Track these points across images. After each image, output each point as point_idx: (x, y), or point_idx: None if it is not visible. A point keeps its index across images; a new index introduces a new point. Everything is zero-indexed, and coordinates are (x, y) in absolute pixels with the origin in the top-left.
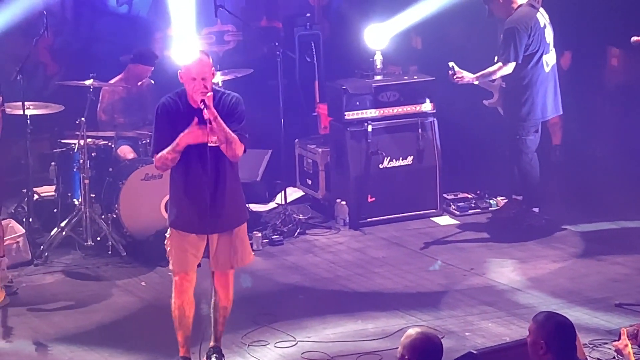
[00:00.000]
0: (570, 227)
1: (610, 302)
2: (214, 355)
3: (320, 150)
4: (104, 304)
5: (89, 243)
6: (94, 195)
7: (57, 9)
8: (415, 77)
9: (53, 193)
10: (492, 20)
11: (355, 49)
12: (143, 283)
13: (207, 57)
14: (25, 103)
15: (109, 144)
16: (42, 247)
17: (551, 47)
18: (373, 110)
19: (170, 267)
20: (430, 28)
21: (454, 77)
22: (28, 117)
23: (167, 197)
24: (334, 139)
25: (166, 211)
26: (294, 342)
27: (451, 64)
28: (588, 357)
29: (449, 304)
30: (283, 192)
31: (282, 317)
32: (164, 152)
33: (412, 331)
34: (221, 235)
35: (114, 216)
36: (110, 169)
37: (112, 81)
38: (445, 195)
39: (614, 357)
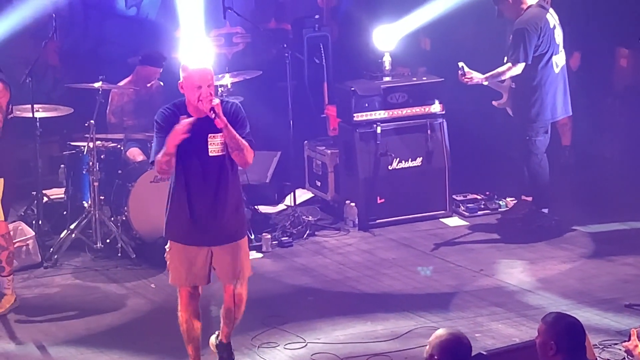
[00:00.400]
0: (579, 227)
1: (620, 302)
2: (225, 352)
3: (329, 151)
4: (113, 306)
5: (98, 245)
6: (103, 197)
7: (66, 11)
8: (424, 78)
9: (62, 195)
10: (501, 21)
11: (364, 51)
12: (152, 285)
13: (208, 64)
14: (35, 106)
15: (118, 146)
16: (51, 249)
17: (561, 48)
18: (382, 112)
19: (170, 281)
20: (439, 29)
21: (464, 77)
22: (37, 119)
23: None
24: (343, 140)
25: None
26: (304, 344)
27: (461, 64)
28: (598, 358)
29: (459, 305)
30: (292, 193)
31: (291, 318)
32: (160, 159)
33: (442, 331)
34: (225, 247)
35: (124, 218)
36: (120, 171)
37: (121, 83)
38: (454, 196)
39: (624, 358)
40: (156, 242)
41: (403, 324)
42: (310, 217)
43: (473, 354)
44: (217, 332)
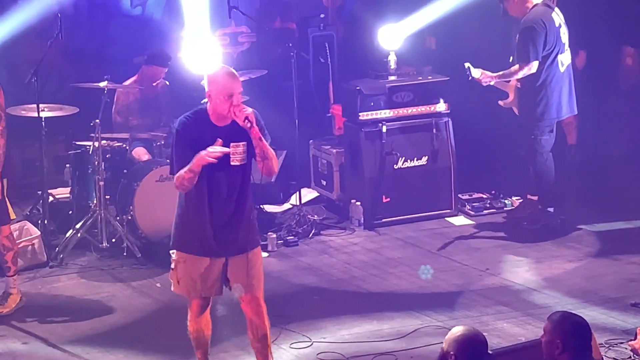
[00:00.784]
0: (585, 226)
1: (626, 301)
2: None
3: (334, 151)
4: (119, 305)
5: (104, 245)
6: (108, 196)
7: (72, 11)
8: (430, 77)
9: (68, 195)
10: (506, 20)
11: (369, 50)
12: (158, 284)
13: (233, 69)
14: (40, 105)
15: (124, 145)
16: (57, 249)
17: (566, 46)
18: (387, 111)
19: (176, 290)
20: (444, 28)
21: (476, 79)
22: (43, 119)
23: None
24: (348, 139)
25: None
26: (310, 343)
27: (467, 65)
28: (604, 357)
29: (464, 304)
30: (297, 193)
31: (297, 318)
32: (182, 171)
33: (458, 328)
34: (240, 257)
35: (129, 218)
36: (125, 171)
37: (126, 83)
38: (460, 195)
39: (630, 357)
40: (162, 241)
41: (409, 323)
42: (315, 216)
43: None
44: None
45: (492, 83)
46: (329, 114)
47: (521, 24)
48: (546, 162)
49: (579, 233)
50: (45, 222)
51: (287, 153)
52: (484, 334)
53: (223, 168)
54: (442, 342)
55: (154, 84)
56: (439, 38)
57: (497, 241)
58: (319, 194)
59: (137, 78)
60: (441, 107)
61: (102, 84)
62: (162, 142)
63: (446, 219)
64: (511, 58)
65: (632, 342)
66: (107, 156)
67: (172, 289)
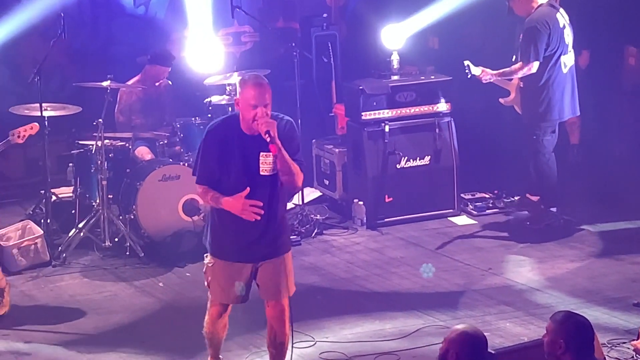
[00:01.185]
0: (588, 226)
1: (629, 301)
2: None
3: (337, 150)
4: (122, 304)
5: (106, 244)
6: (111, 196)
7: (75, 10)
8: (432, 77)
9: (71, 194)
10: (509, 20)
11: (372, 49)
12: (161, 284)
13: (265, 80)
14: (43, 104)
15: (127, 145)
16: (60, 248)
17: (570, 48)
18: (390, 111)
19: (211, 297)
20: (447, 28)
21: (476, 76)
22: (46, 118)
23: (185, 198)
24: (351, 139)
25: (185, 214)
26: (312, 343)
27: (466, 62)
28: (606, 357)
29: (467, 303)
30: (300, 192)
31: (300, 317)
32: (208, 195)
33: (458, 327)
34: (270, 262)
35: (132, 217)
36: (128, 170)
37: (129, 82)
38: (462, 195)
39: (633, 357)
40: (164, 240)
41: (411, 322)
42: (318, 215)
43: None
44: None
45: (492, 80)
46: (332, 114)
47: (525, 24)
48: (548, 162)
49: (582, 233)
50: (48, 221)
51: None
52: (487, 333)
53: (253, 178)
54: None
55: (157, 84)
56: (441, 38)
57: (499, 241)
58: (321, 194)
59: (140, 77)
60: (444, 106)
61: (105, 84)
62: (165, 142)
63: (449, 218)
64: (514, 57)
65: (634, 342)
66: (110, 155)
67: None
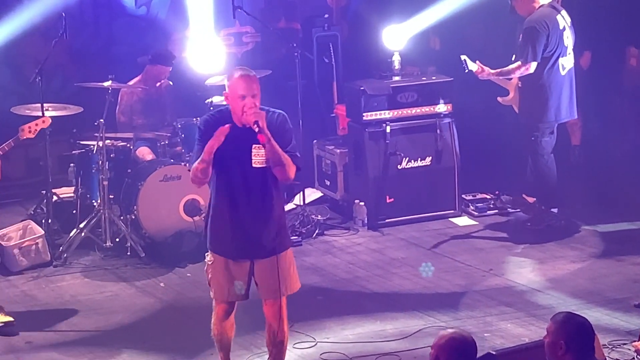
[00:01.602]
0: (589, 227)
1: (630, 302)
2: None
3: (338, 151)
4: (122, 305)
5: (107, 244)
6: (112, 196)
7: (76, 11)
8: (434, 77)
9: (72, 194)
10: (511, 21)
11: (374, 50)
12: (162, 284)
13: (253, 72)
14: (44, 105)
15: (128, 145)
16: (61, 248)
17: (569, 50)
18: (391, 111)
19: (212, 294)
20: (449, 29)
21: (474, 72)
22: None
23: (186, 198)
24: (352, 139)
25: (186, 214)
26: (313, 343)
27: (463, 57)
28: (607, 358)
29: (468, 304)
30: (301, 193)
31: (301, 318)
32: (195, 163)
33: (445, 332)
34: (266, 261)
35: (133, 217)
36: (129, 170)
37: (130, 82)
38: (463, 195)
39: (634, 358)
40: (165, 240)
41: (412, 323)
42: (319, 216)
43: (482, 353)
44: None
45: (491, 79)
46: (333, 114)
47: (525, 24)
48: (547, 163)
49: (583, 234)
50: (49, 221)
51: None
52: (487, 334)
53: (246, 170)
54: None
55: (158, 84)
56: (443, 38)
57: (500, 242)
58: (322, 194)
59: (141, 78)
60: (445, 107)
61: (107, 84)
62: (166, 142)
63: (450, 219)
64: (514, 57)
65: (635, 343)
66: (111, 156)
67: (210, 294)
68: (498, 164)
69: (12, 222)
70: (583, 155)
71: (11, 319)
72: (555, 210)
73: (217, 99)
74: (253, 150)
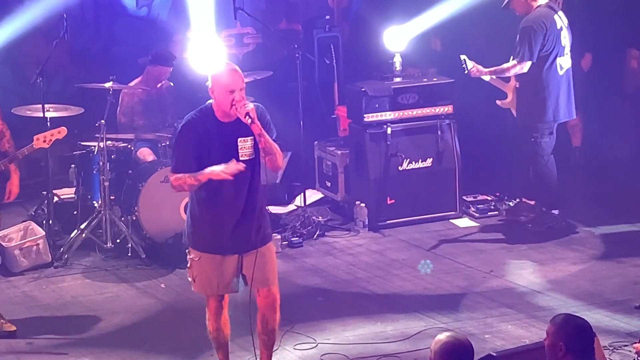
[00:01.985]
0: (590, 229)
1: (631, 304)
2: None
3: (339, 152)
4: (123, 306)
5: (108, 245)
6: (113, 197)
7: (77, 11)
8: (435, 79)
9: (73, 195)
10: (511, 22)
11: (375, 51)
12: (162, 285)
13: (237, 66)
14: (45, 105)
15: (129, 146)
16: (62, 249)
17: (567, 50)
18: (392, 113)
19: (195, 289)
20: (450, 30)
21: (468, 70)
22: (48, 119)
23: (187, 200)
24: (353, 141)
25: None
26: (314, 344)
27: (463, 57)
28: None
29: (469, 306)
30: (302, 194)
31: (301, 319)
32: (185, 175)
33: (442, 336)
34: (257, 252)
35: (134, 218)
36: (130, 171)
37: (131, 83)
38: (464, 197)
39: None
40: (166, 242)
41: (413, 324)
42: (320, 217)
43: (483, 355)
44: None
45: (485, 78)
46: (334, 116)
47: (522, 23)
48: (547, 164)
49: (583, 235)
50: (50, 222)
51: (292, 154)
52: (488, 335)
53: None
54: None
55: (158, 86)
56: (444, 40)
57: (501, 243)
58: (323, 196)
59: (142, 79)
60: (446, 108)
61: (108, 85)
62: (167, 143)
63: (451, 220)
64: (511, 57)
65: (636, 345)
66: (112, 157)
67: (192, 288)
68: (499, 165)
69: (13, 223)
70: (584, 156)
71: (14, 328)
72: (556, 211)
73: None
74: (239, 143)
